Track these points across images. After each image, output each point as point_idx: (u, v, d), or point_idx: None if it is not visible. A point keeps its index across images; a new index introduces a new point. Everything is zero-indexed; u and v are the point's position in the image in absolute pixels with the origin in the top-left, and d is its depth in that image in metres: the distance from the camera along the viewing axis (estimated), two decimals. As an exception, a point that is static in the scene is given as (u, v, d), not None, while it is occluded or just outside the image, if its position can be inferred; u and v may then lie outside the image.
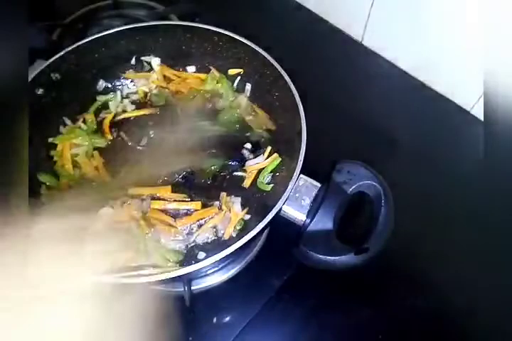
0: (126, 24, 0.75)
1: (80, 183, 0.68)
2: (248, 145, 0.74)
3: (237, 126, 0.75)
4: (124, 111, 0.78)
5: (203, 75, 0.80)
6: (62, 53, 0.71)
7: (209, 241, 0.66)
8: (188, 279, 0.67)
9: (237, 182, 0.71)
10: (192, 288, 0.69)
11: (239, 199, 0.68)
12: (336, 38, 1.03)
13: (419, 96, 0.94)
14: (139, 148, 0.73)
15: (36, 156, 0.69)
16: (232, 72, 0.79)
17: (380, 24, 0.94)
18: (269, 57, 0.70)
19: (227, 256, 0.53)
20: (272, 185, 0.69)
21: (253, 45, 0.72)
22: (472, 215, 0.77)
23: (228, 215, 0.66)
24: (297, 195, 0.60)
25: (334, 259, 0.56)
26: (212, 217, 0.66)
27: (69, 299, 0.39)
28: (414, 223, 0.77)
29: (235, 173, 0.71)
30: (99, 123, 0.75)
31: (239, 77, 0.79)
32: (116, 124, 0.76)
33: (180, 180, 0.70)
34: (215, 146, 0.71)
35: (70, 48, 0.72)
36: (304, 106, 0.64)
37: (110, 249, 0.53)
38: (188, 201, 0.67)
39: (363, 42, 1.01)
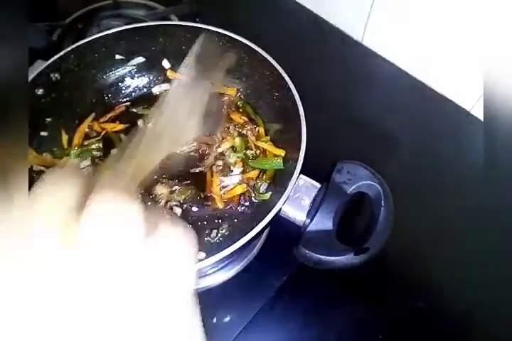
0: (126, 24, 0.75)
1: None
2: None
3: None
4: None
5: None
6: (62, 53, 0.70)
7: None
8: (188, 279, 0.67)
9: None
10: (192, 288, 0.69)
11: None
12: (336, 38, 1.03)
13: (419, 96, 0.94)
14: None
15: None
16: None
17: (380, 24, 0.94)
18: (269, 57, 0.70)
19: (227, 256, 0.53)
20: (270, 193, 0.68)
21: (253, 45, 0.72)
22: (472, 215, 0.77)
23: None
24: (297, 195, 0.60)
25: (334, 259, 0.56)
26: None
27: None
28: (414, 223, 0.77)
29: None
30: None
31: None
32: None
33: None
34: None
35: (70, 48, 0.71)
36: (303, 106, 0.64)
37: None
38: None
39: (363, 42, 1.01)
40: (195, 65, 0.65)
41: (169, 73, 0.81)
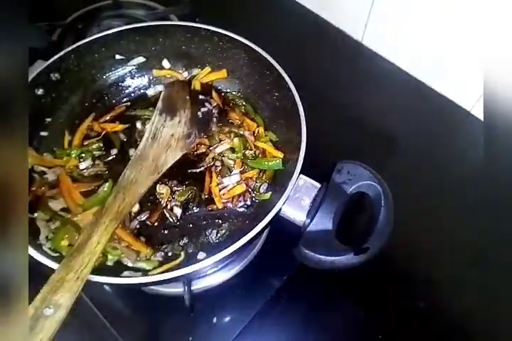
0: (126, 24, 0.75)
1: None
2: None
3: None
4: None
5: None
6: (62, 53, 0.71)
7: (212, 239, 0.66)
8: (188, 279, 0.67)
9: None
10: (192, 288, 0.69)
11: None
12: (336, 38, 1.03)
13: (419, 96, 0.94)
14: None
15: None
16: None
17: (380, 24, 0.94)
18: (269, 57, 0.70)
19: (227, 256, 0.53)
20: (270, 193, 0.68)
21: (253, 45, 0.72)
22: (472, 215, 0.77)
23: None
24: (297, 195, 0.60)
25: (334, 259, 0.56)
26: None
27: None
28: (414, 223, 0.77)
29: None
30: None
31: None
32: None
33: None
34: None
35: (70, 48, 0.71)
36: (303, 106, 0.64)
37: None
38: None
39: (363, 42, 1.01)
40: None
41: (155, 72, 0.81)
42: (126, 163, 0.65)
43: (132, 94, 0.81)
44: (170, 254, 0.64)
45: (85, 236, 0.54)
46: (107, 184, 0.66)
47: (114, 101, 0.80)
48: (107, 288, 0.72)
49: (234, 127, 0.75)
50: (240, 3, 1.09)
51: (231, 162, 0.72)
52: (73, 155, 0.71)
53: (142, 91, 0.81)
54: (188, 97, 0.74)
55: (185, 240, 0.66)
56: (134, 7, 1.02)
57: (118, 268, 0.60)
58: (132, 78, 0.81)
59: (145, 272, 0.60)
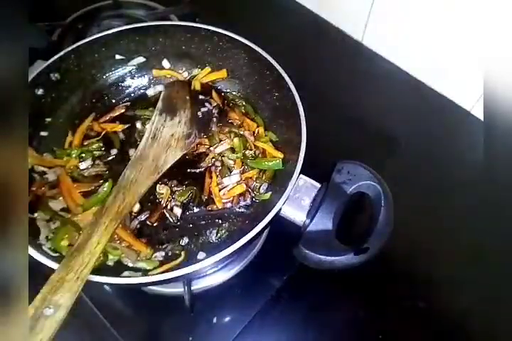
0: (126, 24, 0.75)
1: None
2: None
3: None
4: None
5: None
6: (62, 53, 0.71)
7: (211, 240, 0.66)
8: (188, 279, 0.67)
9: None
10: (192, 288, 0.69)
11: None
12: (336, 38, 1.03)
13: (419, 96, 0.94)
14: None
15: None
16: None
17: (380, 24, 0.94)
18: (269, 57, 0.70)
19: (227, 256, 0.53)
20: (270, 193, 0.68)
21: (253, 45, 0.72)
22: (472, 214, 0.77)
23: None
24: (297, 195, 0.60)
25: (334, 259, 0.56)
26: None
27: None
28: (414, 223, 0.77)
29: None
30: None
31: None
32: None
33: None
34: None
35: (70, 48, 0.71)
36: (303, 106, 0.64)
37: None
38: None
39: (363, 42, 1.01)
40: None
41: (155, 72, 0.81)
42: (126, 163, 0.65)
43: (132, 94, 0.81)
44: (170, 254, 0.64)
45: (85, 236, 0.54)
46: (106, 184, 0.66)
47: (114, 101, 0.80)
48: (107, 288, 0.72)
49: (234, 127, 0.75)
50: (240, 3, 1.09)
51: (231, 162, 0.72)
52: (73, 155, 0.71)
53: (142, 91, 0.82)
54: (188, 97, 0.74)
55: (185, 240, 0.66)
56: (134, 7, 1.02)
57: (118, 268, 0.60)
58: (132, 78, 0.81)
59: (145, 272, 0.60)
